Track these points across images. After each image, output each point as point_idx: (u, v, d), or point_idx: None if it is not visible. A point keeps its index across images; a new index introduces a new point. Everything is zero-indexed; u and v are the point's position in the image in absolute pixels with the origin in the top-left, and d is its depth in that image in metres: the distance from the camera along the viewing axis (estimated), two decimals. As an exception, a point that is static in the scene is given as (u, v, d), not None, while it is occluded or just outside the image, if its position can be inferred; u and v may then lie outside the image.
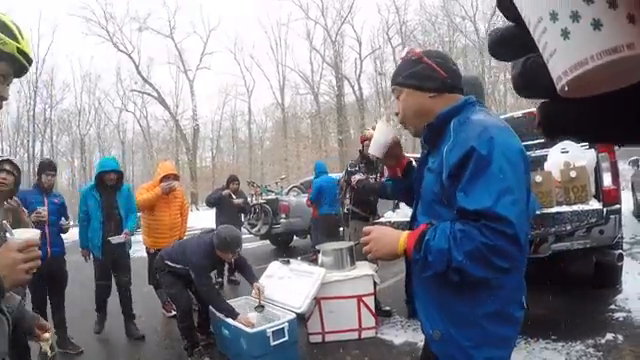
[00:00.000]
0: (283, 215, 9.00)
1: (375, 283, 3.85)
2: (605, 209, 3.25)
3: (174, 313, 4.51)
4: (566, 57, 0.25)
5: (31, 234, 1.16)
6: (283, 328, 3.09)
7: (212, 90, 49.70)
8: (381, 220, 4.20)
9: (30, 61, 1.19)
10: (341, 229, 5.85)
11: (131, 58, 31.22)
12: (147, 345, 3.99)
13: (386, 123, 1.52)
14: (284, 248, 9.37)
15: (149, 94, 32.57)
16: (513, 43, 0.29)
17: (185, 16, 42.72)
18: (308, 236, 9.44)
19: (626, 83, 0.25)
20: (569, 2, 0.24)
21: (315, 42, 32.43)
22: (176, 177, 4.72)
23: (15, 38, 1.15)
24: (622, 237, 3.81)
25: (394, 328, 3.86)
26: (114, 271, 4.24)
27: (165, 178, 4.55)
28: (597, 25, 0.23)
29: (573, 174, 3.36)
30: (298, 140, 34.07)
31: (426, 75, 1.29)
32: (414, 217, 1.38)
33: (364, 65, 31.91)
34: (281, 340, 3.05)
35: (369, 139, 1.51)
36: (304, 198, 8.23)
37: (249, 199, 10.63)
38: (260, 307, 3.54)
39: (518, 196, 1.06)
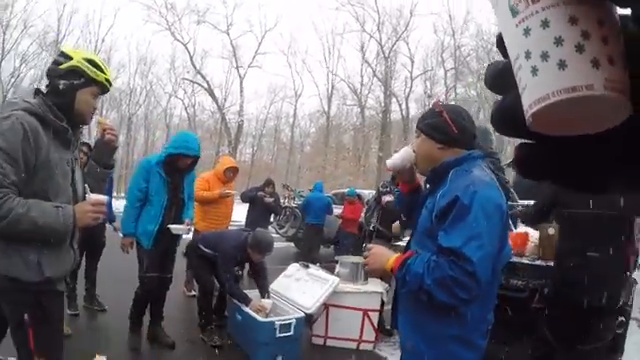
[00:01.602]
0: (311, 222, 9.32)
1: (383, 301, 4.08)
2: None
3: (194, 293, 4.90)
4: (532, 92, 0.27)
5: (101, 197, 1.81)
6: (290, 323, 3.39)
7: (261, 89, 50.60)
8: (399, 243, 4.44)
9: (111, 84, 1.87)
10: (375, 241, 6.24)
11: (186, 48, 32.29)
12: (167, 319, 4.19)
13: (410, 151, 1.72)
14: (307, 254, 9.65)
15: (199, 84, 33.50)
16: (505, 78, 0.30)
17: (243, 14, 42.91)
18: (332, 246, 9.74)
19: (599, 129, 0.27)
20: (541, 43, 0.26)
21: (368, 55, 32.61)
22: (236, 169, 5.23)
23: (103, 71, 1.80)
24: (630, 303, 3.67)
25: (392, 347, 4.06)
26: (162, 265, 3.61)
27: (227, 170, 5.05)
28: (562, 65, 0.25)
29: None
30: (338, 150, 34.35)
31: (440, 128, 1.54)
32: (408, 244, 1.66)
33: (414, 85, 31.85)
34: (286, 334, 3.34)
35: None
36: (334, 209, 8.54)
37: (281, 200, 11.01)
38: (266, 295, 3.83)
39: (485, 242, 1.32)
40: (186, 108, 35.58)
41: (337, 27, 34.51)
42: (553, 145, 0.29)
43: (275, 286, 4.16)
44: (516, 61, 0.28)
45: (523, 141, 0.32)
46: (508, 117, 0.30)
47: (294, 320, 3.42)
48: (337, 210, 8.56)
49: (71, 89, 1.74)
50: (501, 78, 0.31)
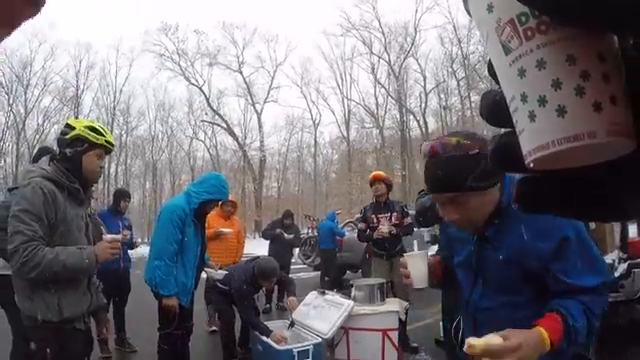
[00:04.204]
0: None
1: (402, 320, 4.14)
2: (627, 263, 3.37)
3: (214, 328, 5.13)
4: (531, 138, 0.25)
5: (115, 235, 2.21)
6: (308, 350, 3.50)
7: (279, 122, 51.24)
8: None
9: (113, 146, 2.17)
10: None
11: (202, 91, 33.58)
12: (193, 354, 4.36)
13: (414, 257, 1.51)
14: (330, 280, 9.67)
15: (218, 124, 34.48)
16: (502, 111, 0.28)
17: (253, 51, 42.76)
18: (359, 270, 9.75)
19: (603, 159, 0.25)
20: (537, 86, 0.24)
21: (380, 76, 33.02)
22: (234, 204, 5.49)
23: (103, 135, 2.10)
24: None
25: (416, 365, 4.10)
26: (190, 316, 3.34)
27: (224, 205, 5.22)
28: (561, 112, 0.24)
29: (592, 225, 3.49)
30: (363, 174, 34.42)
31: (489, 170, 1.16)
32: (473, 301, 1.41)
33: (429, 99, 31.98)
34: (305, 360, 3.47)
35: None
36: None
37: (305, 231, 11.10)
38: (291, 325, 3.99)
39: (599, 252, 1.30)
40: (208, 149, 36.39)
41: (346, 53, 34.86)
42: (556, 178, 0.28)
43: (295, 315, 4.29)
44: (511, 102, 0.27)
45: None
46: (508, 155, 0.29)
47: (312, 346, 3.54)
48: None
49: (77, 154, 2.05)
50: (498, 112, 0.29)
